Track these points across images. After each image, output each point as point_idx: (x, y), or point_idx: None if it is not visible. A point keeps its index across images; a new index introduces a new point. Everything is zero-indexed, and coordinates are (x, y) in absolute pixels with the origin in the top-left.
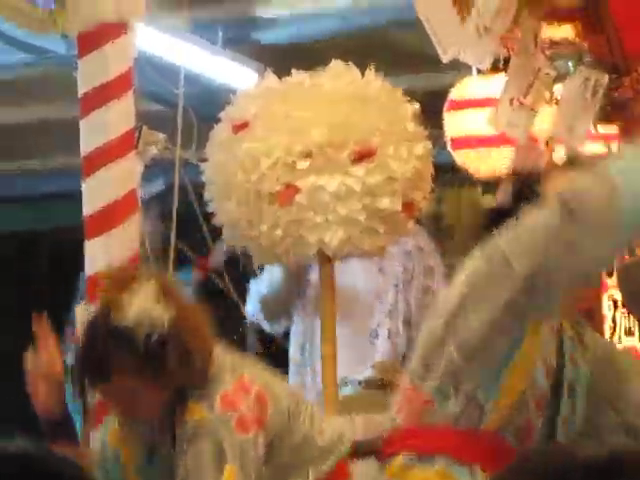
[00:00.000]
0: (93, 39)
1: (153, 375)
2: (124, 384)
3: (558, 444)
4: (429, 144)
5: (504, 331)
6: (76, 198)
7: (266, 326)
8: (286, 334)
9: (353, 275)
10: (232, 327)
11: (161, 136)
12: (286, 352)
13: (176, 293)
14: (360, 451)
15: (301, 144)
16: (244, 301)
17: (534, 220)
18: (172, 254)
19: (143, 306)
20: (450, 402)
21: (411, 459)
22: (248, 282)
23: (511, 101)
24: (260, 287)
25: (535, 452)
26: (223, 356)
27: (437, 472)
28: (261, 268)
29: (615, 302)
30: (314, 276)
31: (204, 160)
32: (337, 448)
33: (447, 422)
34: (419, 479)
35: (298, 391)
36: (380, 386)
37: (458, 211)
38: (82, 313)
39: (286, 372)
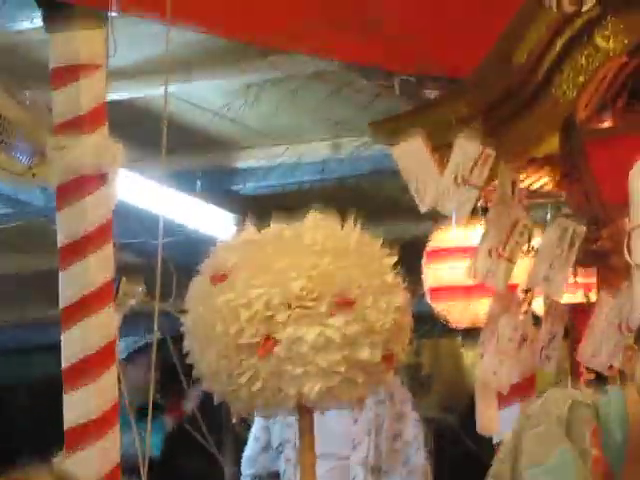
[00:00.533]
0: (72, 191)
1: None
2: None
3: None
4: (408, 295)
5: None
6: (56, 349)
7: None
8: None
9: (329, 421)
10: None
11: (140, 288)
12: None
13: None
14: None
15: (280, 296)
16: (221, 451)
17: None
18: (150, 405)
19: None
20: None
21: None
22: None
23: (489, 252)
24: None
25: None
26: None
27: None
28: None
29: None
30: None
31: (183, 311)
32: None
33: None
34: None
35: None
36: None
37: (437, 361)
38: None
39: None
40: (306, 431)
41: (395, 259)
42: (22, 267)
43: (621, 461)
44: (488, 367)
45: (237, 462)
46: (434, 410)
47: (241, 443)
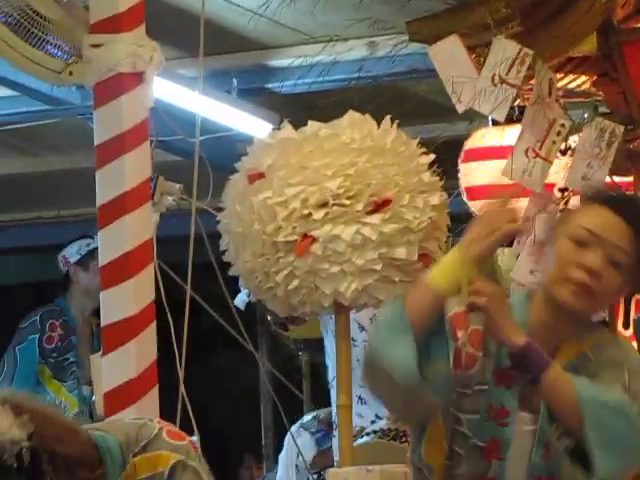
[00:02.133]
0: (109, 90)
1: None
2: None
3: None
4: (444, 194)
5: None
6: None
7: None
8: None
9: None
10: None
11: (177, 186)
12: None
13: (30, 407)
14: None
15: (317, 195)
16: (256, 349)
17: None
18: (188, 304)
19: None
20: None
21: None
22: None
23: (526, 151)
24: None
25: None
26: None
27: None
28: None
29: None
30: None
31: (220, 210)
32: None
33: None
34: None
35: None
36: (395, 436)
37: None
38: (96, 362)
39: None
40: (342, 330)
41: (431, 158)
42: (58, 165)
43: None
44: (524, 266)
45: (272, 361)
46: None
47: (276, 342)
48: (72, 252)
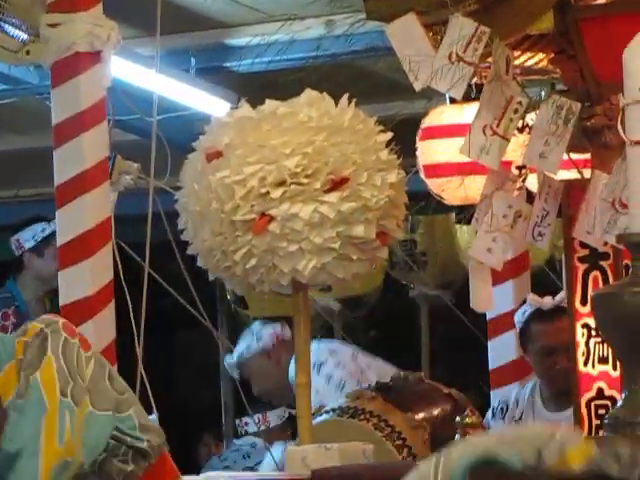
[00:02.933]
0: (66, 69)
1: None
2: None
3: None
4: (402, 172)
5: None
6: None
7: None
8: None
9: None
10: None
11: (135, 165)
12: None
13: None
14: None
15: (275, 173)
16: (215, 327)
17: None
18: (145, 282)
19: None
20: None
21: None
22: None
23: (484, 129)
24: None
25: None
26: None
27: None
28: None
29: (589, 330)
30: None
31: (178, 188)
32: None
33: None
34: None
35: None
36: (354, 414)
37: (432, 238)
38: None
39: None
40: (300, 309)
41: (389, 137)
42: (16, 145)
43: None
44: (482, 244)
45: (231, 339)
46: (429, 287)
47: (235, 321)
48: (27, 237)
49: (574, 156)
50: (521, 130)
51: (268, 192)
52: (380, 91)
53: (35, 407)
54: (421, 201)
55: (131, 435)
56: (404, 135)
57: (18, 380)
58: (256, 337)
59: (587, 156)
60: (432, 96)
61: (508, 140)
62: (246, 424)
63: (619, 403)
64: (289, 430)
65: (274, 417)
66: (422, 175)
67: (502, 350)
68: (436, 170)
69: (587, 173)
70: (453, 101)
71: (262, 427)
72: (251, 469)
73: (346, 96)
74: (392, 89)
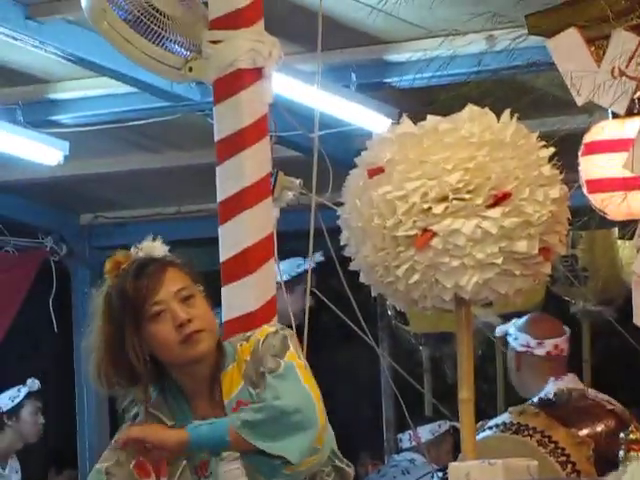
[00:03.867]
0: (228, 86)
1: None
2: None
3: None
4: (565, 187)
5: None
6: (212, 243)
7: None
8: None
9: None
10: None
11: (297, 181)
12: None
13: None
14: None
15: (437, 189)
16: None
17: None
18: (307, 299)
19: None
20: None
21: None
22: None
23: None
24: None
25: None
26: None
27: None
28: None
29: None
30: None
31: (340, 204)
32: None
33: None
34: None
35: None
36: (517, 430)
37: (594, 253)
38: None
39: None
40: (463, 325)
41: (551, 152)
42: (178, 162)
43: None
44: None
45: (393, 356)
46: (590, 303)
47: (395, 337)
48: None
49: None
50: None
51: (430, 208)
52: (541, 106)
53: (292, 372)
54: (583, 216)
55: (338, 457)
56: (566, 150)
57: (242, 378)
58: None
59: None
60: (593, 111)
61: None
62: (400, 440)
63: None
64: (443, 444)
65: (426, 432)
66: (585, 190)
67: None
68: (599, 185)
69: None
70: (615, 115)
71: (414, 443)
72: None
73: (508, 111)
74: (553, 104)
